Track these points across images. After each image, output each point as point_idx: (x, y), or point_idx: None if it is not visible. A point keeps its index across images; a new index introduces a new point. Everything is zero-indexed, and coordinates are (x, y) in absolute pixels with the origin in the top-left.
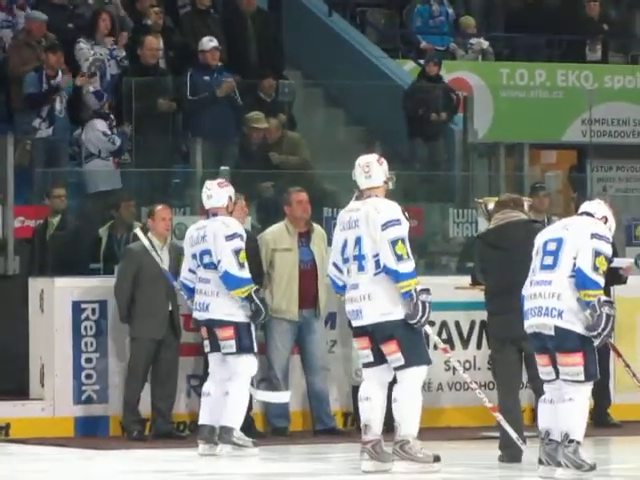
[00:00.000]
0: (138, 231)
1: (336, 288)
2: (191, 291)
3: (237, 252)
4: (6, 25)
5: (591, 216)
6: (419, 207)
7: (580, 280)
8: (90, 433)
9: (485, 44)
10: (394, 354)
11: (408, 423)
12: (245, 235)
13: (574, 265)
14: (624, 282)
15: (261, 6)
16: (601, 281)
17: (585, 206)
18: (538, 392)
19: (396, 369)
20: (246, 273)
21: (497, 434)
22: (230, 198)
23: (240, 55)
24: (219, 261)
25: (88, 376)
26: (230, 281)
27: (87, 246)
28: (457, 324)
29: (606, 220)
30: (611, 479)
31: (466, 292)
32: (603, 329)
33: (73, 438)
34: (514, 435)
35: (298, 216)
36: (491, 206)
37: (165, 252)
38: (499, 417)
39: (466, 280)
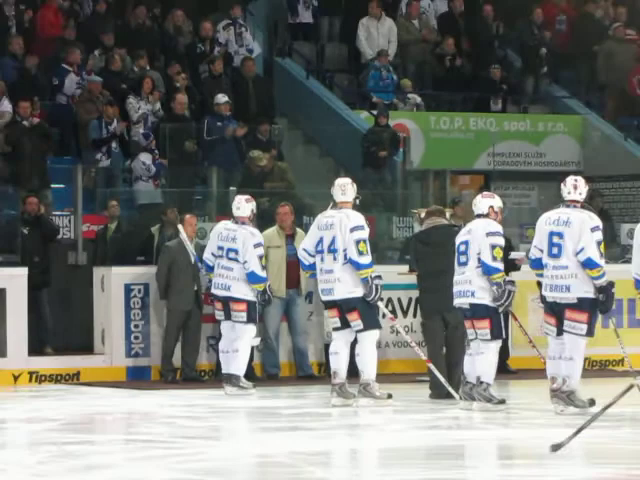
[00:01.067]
0: (182, 232)
1: (303, 266)
2: (209, 268)
3: (260, 257)
4: (78, 86)
5: (484, 216)
6: (372, 216)
7: (485, 269)
8: (137, 378)
9: (418, 99)
10: (356, 321)
11: (369, 370)
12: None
13: (479, 259)
14: (518, 269)
15: (258, 72)
16: (500, 266)
17: (475, 209)
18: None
19: (357, 332)
20: (265, 273)
21: (427, 378)
22: (252, 210)
23: (243, 107)
24: (246, 261)
25: (136, 337)
26: (254, 279)
27: (137, 243)
28: (399, 300)
29: (492, 210)
30: (512, 410)
31: (405, 277)
32: (505, 300)
33: (125, 382)
34: (442, 379)
35: (282, 223)
36: (423, 215)
37: (193, 247)
38: (431, 366)
39: (405, 268)
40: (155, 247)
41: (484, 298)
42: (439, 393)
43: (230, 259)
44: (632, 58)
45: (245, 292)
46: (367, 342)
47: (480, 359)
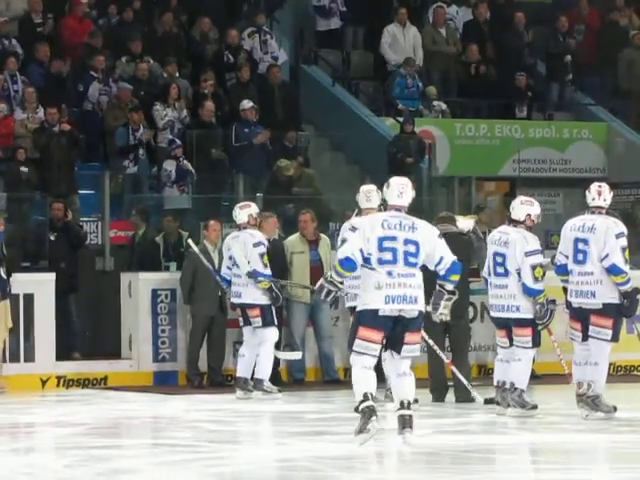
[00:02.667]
0: (190, 241)
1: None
2: (227, 282)
3: (262, 255)
4: (103, 93)
5: (519, 223)
6: None
7: (527, 291)
8: (164, 383)
9: (444, 106)
10: None
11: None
12: (267, 243)
13: (519, 274)
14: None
15: (285, 79)
16: (542, 286)
17: (512, 214)
18: None
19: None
20: (268, 271)
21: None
22: (250, 215)
23: (270, 114)
24: (249, 262)
25: (162, 342)
26: (256, 276)
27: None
28: None
29: (529, 218)
30: (539, 415)
31: None
32: (547, 319)
33: (152, 386)
34: (465, 381)
35: (302, 230)
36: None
37: (216, 254)
38: (453, 367)
39: None
40: (162, 255)
41: (528, 312)
42: (439, 396)
43: (238, 266)
44: None
45: (256, 296)
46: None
47: (516, 366)
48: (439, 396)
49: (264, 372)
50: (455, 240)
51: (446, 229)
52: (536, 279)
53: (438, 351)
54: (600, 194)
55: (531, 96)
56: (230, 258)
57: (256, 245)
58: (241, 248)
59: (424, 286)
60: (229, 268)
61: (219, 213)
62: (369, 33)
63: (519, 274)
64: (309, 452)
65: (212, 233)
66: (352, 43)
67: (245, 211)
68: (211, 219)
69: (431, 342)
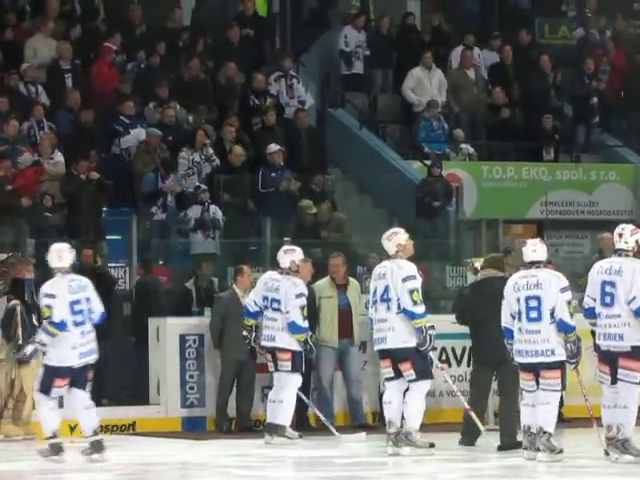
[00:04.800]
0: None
1: (370, 324)
2: (249, 314)
3: (302, 308)
4: (133, 138)
5: (540, 263)
6: (425, 265)
7: (562, 328)
8: (192, 428)
9: (471, 149)
10: (408, 371)
11: (414, 420)
12: (307, 293)
13: (552, 315)
14: None
15: (311, 123)
16: (574, 323)
17: (531, 255)
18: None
19: (409, 381)
20: (306, 324)
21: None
22: (293, 261)
23: (296, 158)
24: (288, 312)
25: (191, 387)
26: (295, 329)
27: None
28: (453, 349)
29: (549, 262)
30: (567, 458)
31: (458, 326)
32: (579, 357)
33: (180, 432)
34: (481, 427)
35: (333, 274)
36: (477, 264)
37: (245, 299)
38: (472, 414)
39: None
40: (195, 301)
41: (562, 355)
42: (470, 440)
43: (274, 309)
44: None
45: (289, 342)
46: (418, 392)
47: (545, 409)
48: (470, 440)
49: (286, 418)
50: (502, 285)
51: (492, 274)
52: (571, 315)
53: (459, 394)
54: (621, 236)
55: (558, 138)
56: (266, 299)
57: (298, 296)
58: (282, 296)
59: None
60: (255, 302)
61: (246, 258)
62: (396, 76)
63: (552, 314)
64: None
65: (247, 279)
66: (380, 86)
67: (288, 256)
68: (242, 264)
69: (455, 387)
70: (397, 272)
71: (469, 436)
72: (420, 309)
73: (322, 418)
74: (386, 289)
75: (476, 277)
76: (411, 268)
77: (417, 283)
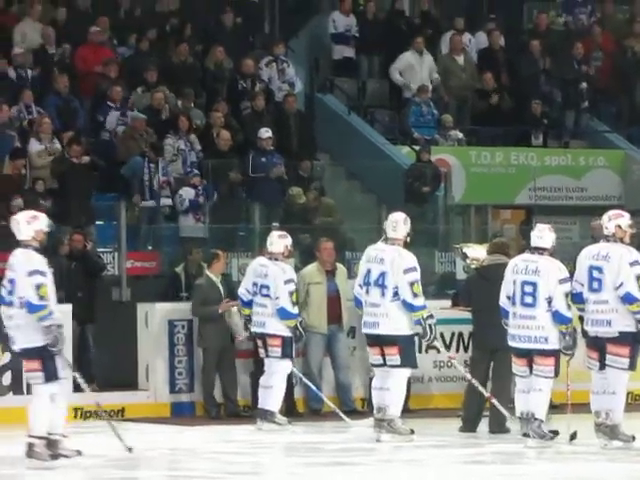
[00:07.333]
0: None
1: (357, 303)
2: (243, 303)
3: (291, 293)
4: (121, 123)
5: (544, 250)
6: (414, 251)
7: (558, 319)
8: (181, 414)
9: (459, 135)
10: (394, 356)
11: (395, 406)
12: (296, 279)
13: (549, 303)
14: None
15: (300, 108)
16: (571, 314)
17: (536, 241)
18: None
19: (391, 367)
20: (296, 309)
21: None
22: (286, 246)
23: (285, 143)
24: (277, 297)
25: (179, 373)
26: (284, 315)
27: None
28: (442, 335)
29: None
30: (556, 444)
31: (448, 311)
32: (575, 348)
33: (169, 418)
34: (506, 412)
35: (325, 259)
36: (465, 249)
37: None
38: (493, 400)
39: (444, 303)
40: (184, 286)
41: (556, 343)
42: (471, 427)
43: (263, 295)
44: None
45: (279, 328)
46: (399, 379)
47: (537, 396)
48: (471, 426)
49: (275, 404)
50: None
51: (498, 260)
52: (569, 307)
53: (477, 384)
54: (609, 220)
55: (547, 124)
56: (255, 285)
57: (287, 282)
58: (271, 282)
59: None
60: (249, 291)
61: (235, 243)
62: (385, 62)
63: (549, 303)
64: None
65: (222, 264)
66: (368, 72)
67: (282, 241)
68: (224, 250)
69: (468, 376)
70: (398, 262)
71: (470, 423)
72: (419, 301)
73: (330, 405)
74: (382, 275)
75: (469, 262)
76: (412, 259)
77: (417, 275)
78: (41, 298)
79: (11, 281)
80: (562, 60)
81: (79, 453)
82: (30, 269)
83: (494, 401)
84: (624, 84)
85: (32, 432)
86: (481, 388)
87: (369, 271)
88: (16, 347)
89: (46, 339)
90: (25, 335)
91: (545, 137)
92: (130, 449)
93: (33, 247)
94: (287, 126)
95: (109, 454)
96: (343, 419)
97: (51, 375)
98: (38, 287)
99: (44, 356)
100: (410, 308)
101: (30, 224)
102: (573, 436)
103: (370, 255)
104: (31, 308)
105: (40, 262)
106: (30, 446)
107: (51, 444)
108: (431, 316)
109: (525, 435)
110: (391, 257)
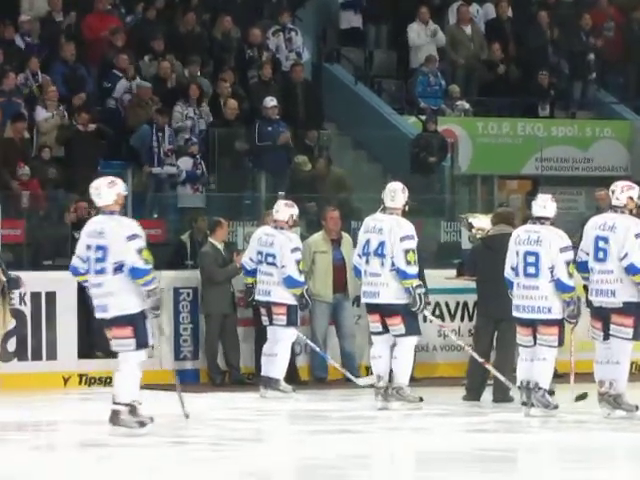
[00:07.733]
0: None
1: (356, 273)
2: (247, 272)
3: (298, 262)
4: (127, 91)
5: (546, 219)
6: (420, 220)
7: (560, 287)
8: (186, 381)
9: (466, 105)
10: (397, 325)
11: (403, 375)
12: (302, 247)
13: (551, 273)
14: None
15: (307, 78)
16: (573, 282)
17: (539, 210)
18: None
19: (397, 336)
20: (302, 277)
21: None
22: (292, 215)
23: (292, 112)
24: (283, 266)
25: (184, 340)
26: (291, 283)
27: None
28: (447, 304)
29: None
30: (560, 414)
31: (452, 281)
32: (579, 317)
33: (174, 385)
34: (505, 380)
35: (331, 228)
36: (471, 219)
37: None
38: (491, 368)
39: (449, 272)
40: (189, 254)
41: (559, 313)
42: (475, 395)
43: (269, 264)
44: None
45: (285, 296)
46: (406, 347)
47: (541, 365)
48: (475, 395)
49: (279, 372)
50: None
51: (503, 230)
52: (570, 275)
53: (471, 351)
54: (614, 193)
55: (554, 95)
56: (260, 254)
57: (294, 251)
58: (277, 250)
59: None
60: (253, 260)
61: (241, 212)
62: (392, 31)
63: (551, 272)
64: (332, 450)
65: (225, 231)
66: (375, 41)
67: (289, 210)
68: (219, 218)
69: (462, 343)
70: (396, 230)
71: (474, 391)
72: (412, 270)
73: (337, 366)
74: (381, 245)
75: (475, 232)
76: (410, 227)
77: (414, 244)
78: (146, 262)
79: (101, 248)
80: (570, 31)
81: (152, 420)
82: (129, 233)
83: (489, 367)
84: (632, 56)
85: (118, 399)
86: (476, 355)
87: (368, 241)
88: (107, 314)
89: (149, 302)
90: (119, 302)
91: (552, 108)
92: (187, 415)
93: (118, 212)
94: (294, 95)
95: None
96: (350, 378)
97: (142, 342)
98: (140, 251)
99: (137, 323)
100: (403, 275)
101: (111, 188)
102: (583, 396)
103: (369, 225)
104: (137, 273)
105: (136, 226)
106: (115, 413)
107: (132, 411)
108: (420, 286)
109: (524, 404)
110: (389, 226)
